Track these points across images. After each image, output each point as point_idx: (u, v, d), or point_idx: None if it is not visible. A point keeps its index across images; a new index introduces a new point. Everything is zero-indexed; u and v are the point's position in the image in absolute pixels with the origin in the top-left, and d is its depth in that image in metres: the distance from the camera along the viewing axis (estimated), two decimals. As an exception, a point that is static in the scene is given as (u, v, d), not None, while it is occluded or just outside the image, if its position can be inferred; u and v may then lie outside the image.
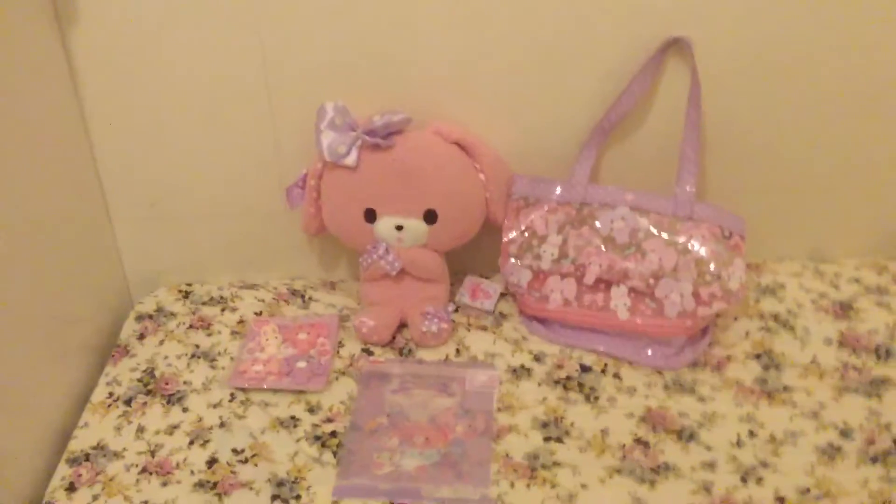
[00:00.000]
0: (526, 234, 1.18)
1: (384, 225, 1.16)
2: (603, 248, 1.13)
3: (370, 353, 1.18)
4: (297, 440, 1.05)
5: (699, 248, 1.10)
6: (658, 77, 1.15)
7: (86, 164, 1.22)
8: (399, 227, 1.16)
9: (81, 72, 1.15)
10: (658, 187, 1.15)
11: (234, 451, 1.04)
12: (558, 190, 1.18)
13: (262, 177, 1.25)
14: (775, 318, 1.21)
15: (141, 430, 1.08)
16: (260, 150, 1.23)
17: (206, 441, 1.05)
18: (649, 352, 1.15)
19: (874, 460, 1.00)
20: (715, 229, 1.12)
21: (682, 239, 1.11)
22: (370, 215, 1.16)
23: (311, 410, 1.09)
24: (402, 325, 1.22)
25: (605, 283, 1.15)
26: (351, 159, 1.13)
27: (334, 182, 1.16)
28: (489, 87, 1.17)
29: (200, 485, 0.99)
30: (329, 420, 1.07)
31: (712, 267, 1.09)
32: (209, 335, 1.22)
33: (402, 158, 1.12)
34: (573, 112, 1.19)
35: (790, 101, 1.19)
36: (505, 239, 1.20)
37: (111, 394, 1.14)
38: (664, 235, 1.11)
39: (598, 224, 1.14)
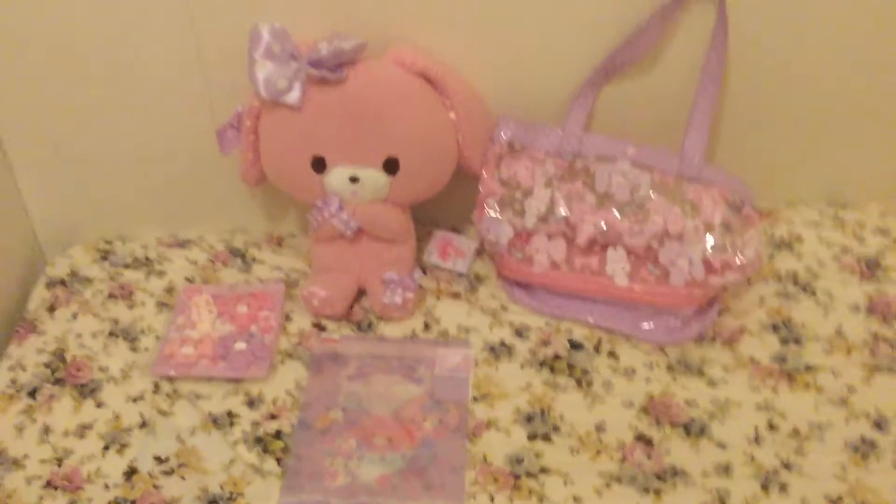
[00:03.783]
0: (507, 185, 0.99)
1: (336, 176, 0.96)
2: (598, 205, 0.95)
3: (322, 329, 1.00)
4: (234, 443, 0.87)
5: (710, 212, 0.93)
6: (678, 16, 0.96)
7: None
8: (354, 179, 0.96)
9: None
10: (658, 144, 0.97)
11: (158, 458, 0.86)
12: (551, 138, 0.98)
13: (189, 113, 1.04)
14: (794, 279, 1.05)
15: (46, 430, 0.90)
16: (184, 79, 1.01)
17: (124, 446, 0.88)
18: (650, 325, 0.98)
19: (915, 459, 0.85)
20: (726, 194, 0.95)
21: (689, 200, 0.93)
22: (319, 164, 0.96)
23: (252, 404, 0.92)
24: (362, 293, 1.04)
25: (599, 246, 0.97)
26: (293, 97, 0.92)
27: (274, 124, 0.95)
28: (464, 7, 0.95)
29: (116, 503, 0.83)
30: (272, 416, 0.90)
31: (725, 233, 0.92)
32: (131, 307, 1.03)
33: (356, 95, 0.91)
34: (570, 46, 0.98)
35: (813, 28, 1.00)
36: (482, 188, 1.01)
37: (13, 381, 0.95)
38: (669, 196, 0.94)
39: (594, 179, 0.95)
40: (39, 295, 1.06)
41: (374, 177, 0.96)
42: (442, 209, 1.10)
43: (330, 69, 0.91)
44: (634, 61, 0.97)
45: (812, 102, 1.07)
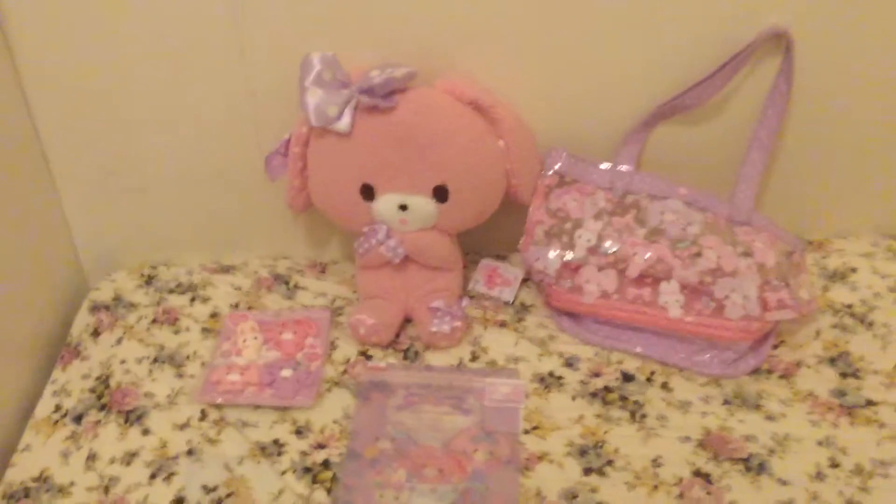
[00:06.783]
0: (556, 216, 0.98)
1: (385, 204, 0.95)
2: (648, 240, 0.94)
3: (369, 357, 0.99)
4: (283, 473, 0.86)
5: (762, 254, 0.92)
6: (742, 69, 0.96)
7: (23, 128, 1.01)
8: (403, 207, 0.95)
9: (12, 17, 0.93)
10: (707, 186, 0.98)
11: (206, 487, 0.85)
12: (602, 173, 0.98)
13: (236, 140, 1.04)
14: (850, 311, 1.02)
15: (92, 457, 0.89)
16: (233, 107, 1.01)
17: (171, 474, 0.86)
18: (705, 357, 0.96)
19: None
20: (776, 241, 0.95)
21: (741, 242, 0.93)
22: (367, 192, 0.95)
23: (300, 432, 0.90)
24: (408, 321, 1.02)
25: (651, 279, 0.95)
26: (343, 124, 0.91)
27: (323, 151, 0.95)
28: (518, 38, 0.95)
29: (164, 534, 0.81)
30: (321, 446, 0.89)
31: (778, 274, 0.91)
32: (176, 332, 1.03)
33: (406, 122, 0.91)
34: (627, 85, 0.98)
35: (868, 61, 0.99)
36: (531, 217, 0.99)
37: (58, 407, 0.95)
38: (721, 236, 0.93)
39: (646, 214, 0.94)
40: (83, 320, 1.06)
41: (423, 204, 0.95)
42: (489, 238, 1.09)
43: (381, 97, 0.90)
44: (693, 107, 0.97)
45: (863, 134, 1.06)
